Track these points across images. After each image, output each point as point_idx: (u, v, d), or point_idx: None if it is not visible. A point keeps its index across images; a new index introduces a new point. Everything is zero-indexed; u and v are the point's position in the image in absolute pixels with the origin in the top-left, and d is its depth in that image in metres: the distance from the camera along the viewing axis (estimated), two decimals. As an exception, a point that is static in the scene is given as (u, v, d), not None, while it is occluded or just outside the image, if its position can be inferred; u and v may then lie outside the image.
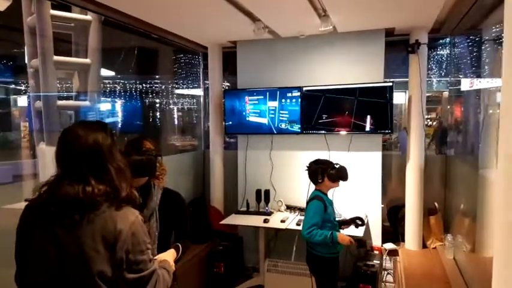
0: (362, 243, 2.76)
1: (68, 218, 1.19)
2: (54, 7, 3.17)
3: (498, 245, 1.03)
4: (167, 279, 1.41)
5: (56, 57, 3.16)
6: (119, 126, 4.87)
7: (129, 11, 3.03)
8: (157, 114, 5.41)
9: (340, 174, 2.71)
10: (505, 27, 0.97)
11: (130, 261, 1.21)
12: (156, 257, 1.67)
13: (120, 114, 5.05)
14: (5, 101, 4.88)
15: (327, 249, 2.63)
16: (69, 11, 3.37)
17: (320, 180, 2.67)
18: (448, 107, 4.84)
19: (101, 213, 1.21)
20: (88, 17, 3.33)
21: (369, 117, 3.61)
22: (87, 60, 3.35)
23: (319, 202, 2.61)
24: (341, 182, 2.78)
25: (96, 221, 1.20)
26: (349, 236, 2.64)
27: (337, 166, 2.73)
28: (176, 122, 5.63)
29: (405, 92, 4.79)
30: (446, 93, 4.92)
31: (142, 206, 1.76)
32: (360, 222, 2.80)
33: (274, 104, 3.91)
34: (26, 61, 3.36)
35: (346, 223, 2.91)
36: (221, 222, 3.73)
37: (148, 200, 1.78)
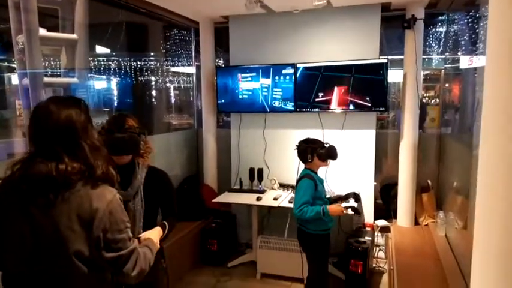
0: (357, 210, 2.75)
1: (41, 197, 1.17)
2: (38, -20, 3.06)
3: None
4: (149, 257, 1.40)
5: (41, 33, 3.06)
6: (114, 104, 4.81)
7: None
8: (149, 92, 5.33)
9: (329, 153, 2.70)
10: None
11: (108, 240, 1.20)
12: (141, 235, 1.66)
13: (110, 91, 4.97)
14: (-1, 79, 4.80)
15: (316, 226, 2.63)
16: (55, -16, 3.26)
17: (310, 160, 2.66)
18: (446, 85, 4.78)
19: (76, 192, 1.18)
20: (74, -10, 3.21)
21: (363, 94, 3.56)
22: (74, 36, 3.24)
23: (310, 180, 2.60)
24: (331, 161, 2.76)
25: (71, 200, 1.18)
26: (342, 206, 2.64)
27: (326, 145, 2.71)
28: (169, 100, 5.56)
29: (402, 69, 4.73)
30: (444, 71, 4.85)
31: (127, 184, 1.74)
32: (354, 199, 2.79)
33: (267, 81, 3.84)
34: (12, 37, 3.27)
35: (341, 199, 2.90)
36: (214, 200, 3.73)
37: (133, 178, 1.76)
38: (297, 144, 2.75)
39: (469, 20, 3.56)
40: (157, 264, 1.70)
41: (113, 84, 4.93)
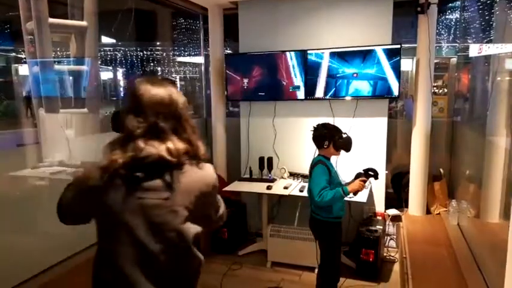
0: (375, 174, 2.61)
1: (152, 180, 1.12)
2: (48, -33, 3.04)
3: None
4: None
5: (51, 20, 3.05)
6: (122, 93, 4.80)
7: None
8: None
9: (345, 144, 2.65)
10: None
11: (216, 212, 1.33)
12: None
13: (122, 81, 4.96)
14: (6, 70, 4.80)
15: (329, 213, 2.61)
16: (64, -29, 3.24)
17: (325, 146, 2.61)
18: (456, 73, 4.70)
19: (186, 173, 1.16)
20: (82, -23, 3.19)
21: (376, 81, 3.51)
22: (84, 23, 3.24)
23: (323, 166, 2.56)
24: (343, 152, 2.71)
25: (183, 181, 1.15)
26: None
27: (344, 136, 2.66)
28: (182, 90, 5.55)
29: (412, 58, 4.65)
30: (454, 60, 4.77)
31: None
32: (372, 174, 2.67)
33: (277, 68, 3.79)
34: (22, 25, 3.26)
35: (360, 176, 2.74)
36: (224, 189, 3.72)
37: None
38: (315, 126, 2.68)
39: (483, 6, 3.48)
40: None
41: (121, 74, 4.92)
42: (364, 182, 2.57)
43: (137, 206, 1.12)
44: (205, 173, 1.22)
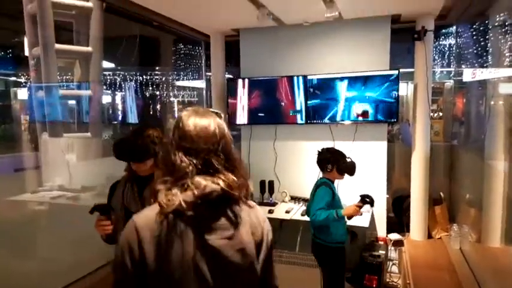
0: (354, 234, 2.69)
1: (217, 218, 1.06)
2: (54, -6, 3.13)
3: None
4: None
5: (57, 46, 3.12)
6: (120, 117, 4.84)
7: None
8: (158, 105, 5.37)
9: (349, 169, 2.70)
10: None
11: (271, 252, 1.20)
12: None
13: (121, 105, 5.01)
14: (5, 94, 4.83)
15: (327, 236, 2.60)
16: (70, -2, 3.33)
17: (329, 170, 2.65)
18: (451, 98, 4.79)
19: (242, 209, 1.11)
20: (89, 4, 3.28)
21: (374, 106, 3.56)
22: (89, 49, 3.31)
23: (327, 188, 2.59)
24: (346, 176, 2.75)
25: (243, 217, 1.10)
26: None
27: (348, 160, 2.70)
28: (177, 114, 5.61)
29: (407, 82, 4.76)
30: (448, 84, 4.87)
31: (139, 195, 1.72)
32: (368, 200, 2.70)
33: (278, 93, 3.85)
34: (26, 50, 3.32)
35: (364, 198, 2.76)
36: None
37: (145, 190, 1.73)
38: (319, 150, 2.74)
39: (477, 32, 3.59)
40: None
41: (122, 97, 4.98)
42: (360, 207, 2.58)
43: (207, 250, 1.03)
44: (258, 211, 1.17)
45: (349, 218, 2.62)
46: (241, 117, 4.04)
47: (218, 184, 1.04)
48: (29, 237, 2.68)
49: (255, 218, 1.14)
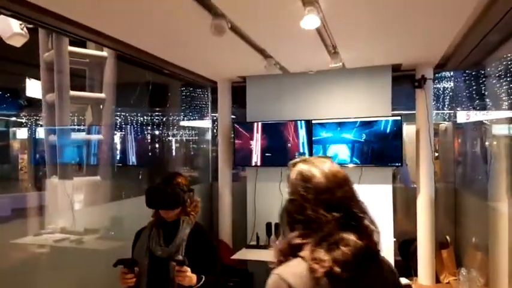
0: None
1: (367, 276, 0.99)
2: (70, 43, 3.26)
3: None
4: None
5: (72, 92, 3.22)
6: (133, 160, 4.89)
7: (142, 46, 2.97)
8: (165, 147, 5.43)
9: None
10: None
11: None
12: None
13: (132, 148, 5.07)
14: (5, 134, 4.89)
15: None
16: (84, 46, 3.48)
17: None
18: (451, 139, 4.89)
19: (382, 264, 1.07)
20: (104, 53, 3.42)
21: (379, 150, 3.65)
22: (102, 95, 3.42)
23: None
24: None
25: (384, 275, 1.06)
26: None
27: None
28: (185, 155, 5.66)
29: (404, 124, 4.87)
30: (443, 126, 4.98)
31: (169, 240, 1.76)
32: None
33: (283, 136, 3.94)
34: (32, 92, 3.42)
35: None
36: (233, 257, 3.66)
37: (176, 235, 1.78)
38: None
39: (474, 79, 3.77)
40: None
41: (129, 139, 5.05)
42: None
43: None
44: (390, 264, 1.11)
45: None
46: (248, 159, 4.09)
47: (363, 240, 0.97)
48: (31, 281, 2.64)
49: (390, 271, 1.08)
